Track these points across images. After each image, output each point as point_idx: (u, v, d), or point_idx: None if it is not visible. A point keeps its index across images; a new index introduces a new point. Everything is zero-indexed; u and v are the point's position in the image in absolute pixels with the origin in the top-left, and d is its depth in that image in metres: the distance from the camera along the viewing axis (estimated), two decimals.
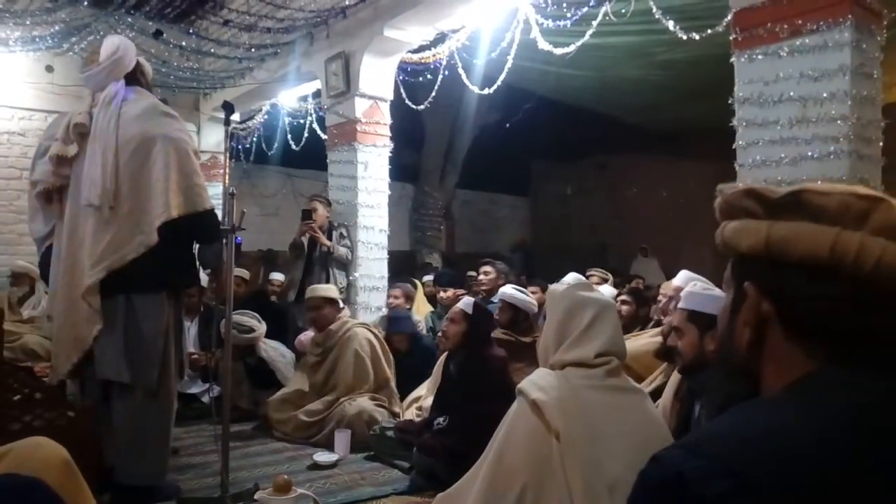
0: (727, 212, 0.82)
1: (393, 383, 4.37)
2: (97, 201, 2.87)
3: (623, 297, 4.47)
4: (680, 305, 2.29)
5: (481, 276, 5.48)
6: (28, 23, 6.22)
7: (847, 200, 0.72)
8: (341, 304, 4.66)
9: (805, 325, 0.73)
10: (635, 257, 11.16)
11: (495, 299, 4.58)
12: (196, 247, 3.17)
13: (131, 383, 2.91)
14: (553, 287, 2.38)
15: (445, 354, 3.82)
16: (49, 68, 7.09)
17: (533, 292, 5.30)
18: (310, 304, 4.42)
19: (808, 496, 0.61)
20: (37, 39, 6.33)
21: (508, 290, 4.24)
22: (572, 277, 4.09)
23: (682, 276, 3.11)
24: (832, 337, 0.71)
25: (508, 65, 4.92)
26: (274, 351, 4.89)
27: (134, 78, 3.13)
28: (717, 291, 2.26)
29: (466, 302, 3.62)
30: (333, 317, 4.42)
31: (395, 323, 4.84)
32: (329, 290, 4.58)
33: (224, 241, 2.97)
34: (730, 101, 3.16)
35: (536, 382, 2.08)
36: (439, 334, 4.01)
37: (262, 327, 4.78)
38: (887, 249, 0.69)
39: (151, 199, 2.89)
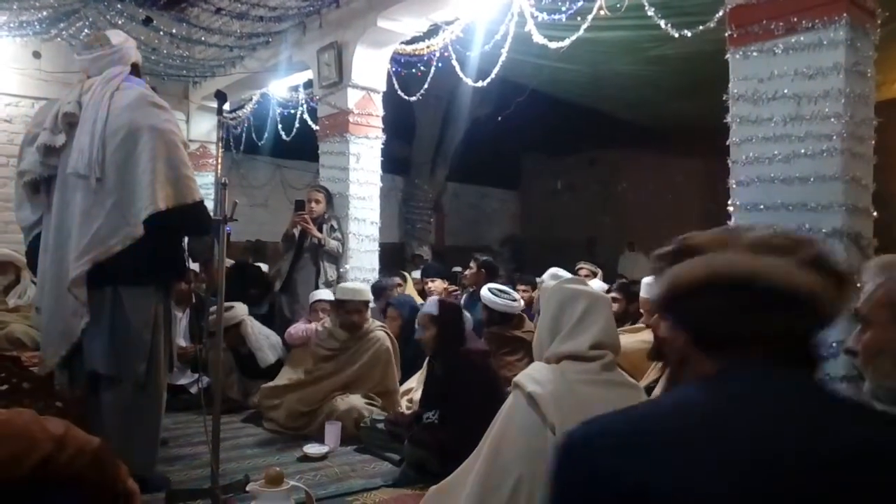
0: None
1: (398, 395, 4.29)
2: (84, 170, 2.84)
3: (613, 294, 4.48)
4: None
5: (466, 272, 5.51)
6: (15, 7, 6.12)
7: (714, 234, 0.89)
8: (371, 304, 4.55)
9: (712, 340, 0.85)
10: (623, 252, 11.23)
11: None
12: (186, 239, 3.14)
13: (118, 376, 2.89)
14: (546, 283, 2.39)
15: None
16: (36, 54, 6.99)
17: (523, 290, 5.32)
18: (351, 308, 4.17)
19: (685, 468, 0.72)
20: (24, 25, 6.24)
21: (486, 294, 4.19)
22: (551, 274, 4.12)
23: None
24: (735, 343, 0.84)
25: (502, 58, 4.91)
26: (259, 331, 4.86)
27: (135, 68, 3.16)
28: None
29: (430, 304, 3.56)
30: (367, 318, 4.29)
31: (397, 300, 4.87)
32: (366, 292, 4.41)
33: (216, 232, 2.94)
34: (724, 98, 3.16)
35: (532, 376, 2.08)
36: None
37: (240, 305, 4.76)
38: (755, 259, 0.83)
39: (137, 192, 2.85)
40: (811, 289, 0.82)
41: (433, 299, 3.70)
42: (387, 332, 4.32)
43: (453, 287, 5.94)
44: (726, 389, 0.80)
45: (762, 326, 0.83)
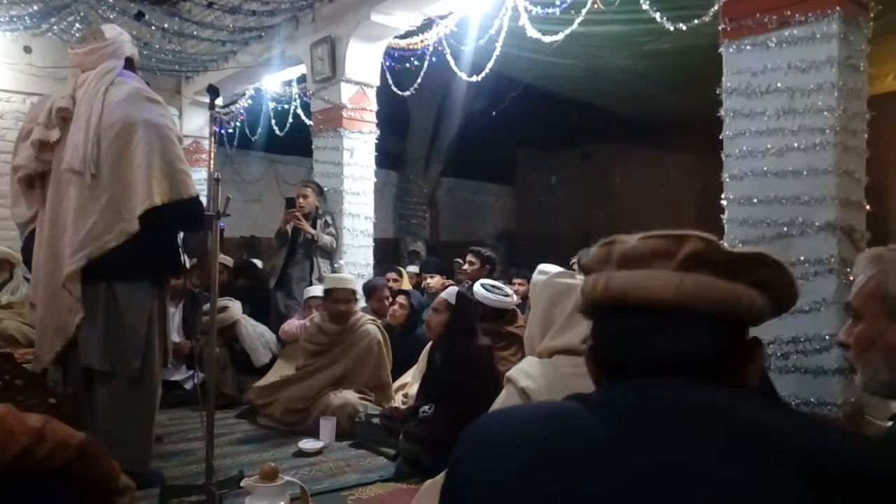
0: None
1: (391, 389, 4.29)
2: (78, 166, 2.83)
3: None
4: None
5: (465, 265, 5.46)
6: (5, 2, 6.07)
7: (597, 250, 0.84)
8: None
9: (601, 360, 0.83)
10: None
11: None
12: (181, 234, 3.14)
13: (113, 371, 2.88)
14: (536, 278, 2.39)
15: (431, 343, 3.80)
16: (27, 49, 6.95)
17: (519, 284, 5.32)
18: (339, 297, 4.18)
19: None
20: (14, 19, 6.19)
21: (479, 290, 4.19)
22: (540, 270, 4.10)
23: None
24: (617, 365, 0.79)
25: (496, 52, 4.90)
26: (254, 330, 4.86)
27: (129, 63, 3.15)
28: None
29: (450, 292, 3.60)
30: (356, 309, 4.31)
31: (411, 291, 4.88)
32: (353, 281, 4.45)
33: (210, 227, 2.93)
34: (717, 92, 3.17)
35: (525, 370, 2.08)
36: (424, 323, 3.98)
37: (235, 304, 4.76)
38: (612, 276, 0.78)
39: (132, 187, 2.85)
40: (688, 294, 0.72)
41: (453, 289, 3.70)
42: (378, 326, 4.32)
43: (450, 282, 5.92)
44: (593, 410, 0.74)
45: (636, 347, 0.75)
